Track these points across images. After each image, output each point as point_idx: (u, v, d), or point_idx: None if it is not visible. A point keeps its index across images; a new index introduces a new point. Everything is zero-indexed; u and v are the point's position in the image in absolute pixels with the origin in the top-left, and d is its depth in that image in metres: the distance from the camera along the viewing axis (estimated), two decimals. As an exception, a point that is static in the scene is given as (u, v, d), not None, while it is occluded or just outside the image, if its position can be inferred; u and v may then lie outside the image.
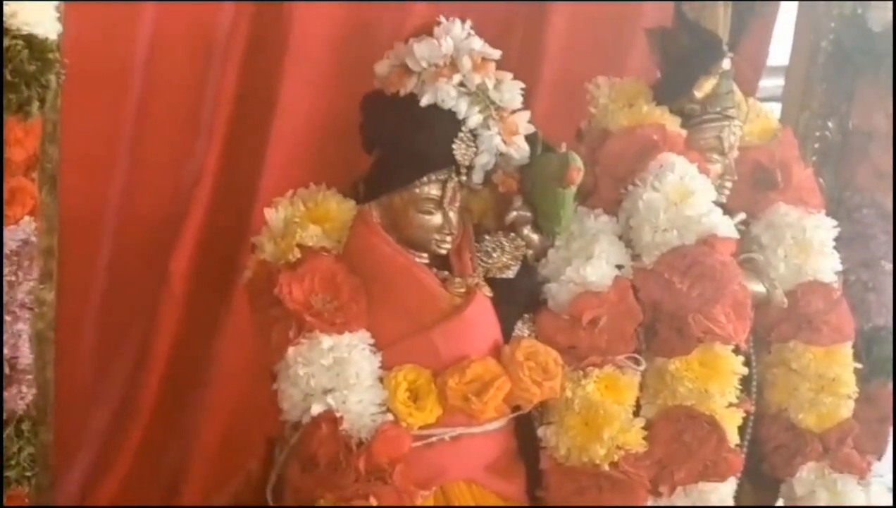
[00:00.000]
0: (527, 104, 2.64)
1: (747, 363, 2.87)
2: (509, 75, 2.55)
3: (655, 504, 2.66)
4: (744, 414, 2.71)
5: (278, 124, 2.84)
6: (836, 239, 3.07)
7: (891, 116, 3.07)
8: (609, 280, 2.60)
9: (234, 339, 2.96)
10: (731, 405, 2.67)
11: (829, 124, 3.18)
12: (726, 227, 2.65)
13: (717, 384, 2.63)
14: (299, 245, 2.48)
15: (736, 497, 2.91)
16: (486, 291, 2.55)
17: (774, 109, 3.18)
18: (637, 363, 2.61)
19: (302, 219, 2.51)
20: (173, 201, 2.86)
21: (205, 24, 2.77)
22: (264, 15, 2.81)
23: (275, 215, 2.53)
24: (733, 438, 2.67)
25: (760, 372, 2.91)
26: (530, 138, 2.60)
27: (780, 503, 3.00)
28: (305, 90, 2.83)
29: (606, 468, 2.56)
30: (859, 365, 2.93)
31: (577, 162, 2.53)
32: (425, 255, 2.55)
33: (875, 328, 3.15)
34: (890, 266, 3.12)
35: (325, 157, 2.80)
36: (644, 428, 2.62)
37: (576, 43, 3.14)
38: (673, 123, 2.75)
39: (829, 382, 2.88)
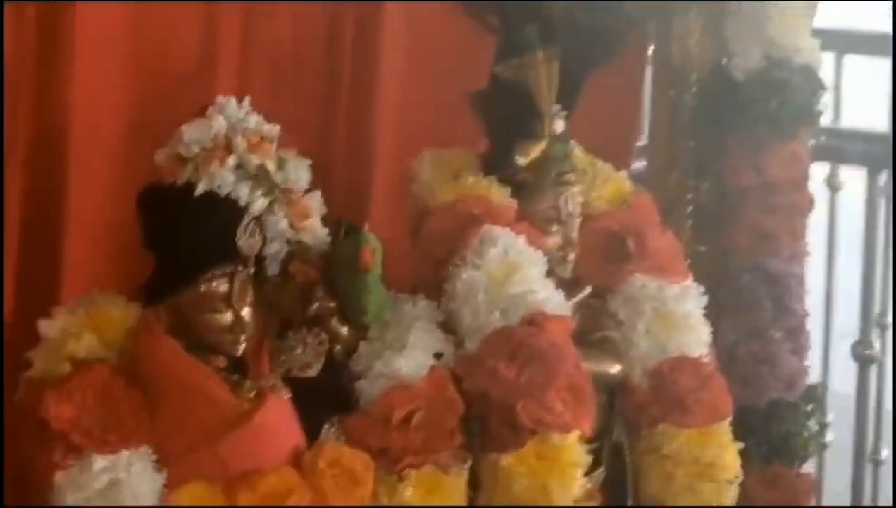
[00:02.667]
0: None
1: (620, 454, 2.62)
2: (293, 153, 2.33)
3: None
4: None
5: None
6: (722, 310, 2.83)
7: (762, 171, 2.81)
8: (424, 371, 2.34)
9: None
10: (577, 501, 2.38)
11: (702, 186, 2.90)
12: (556, 304, 2.40)
13: (557, 479, 2.35)
14: (70, 358, 2.24)
15: None
16: (283, 393, 2.29)
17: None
18: (463, 460, 2.33)
19: (79, 329, 2.28)
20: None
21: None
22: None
23: (51, 326, 2.30)
24: (583, 536, 2.39)
25: (634, 462, 2.64)
26: (334, 221, 2.36)
27: None
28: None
29: (434, 580, 2.28)
30: (741, 444, 2.63)
31: (371, 242, 2.30)
32: (223, 358, 2.30)
33: (772, 404, 2.87)
34: (780, 334, 2.83)
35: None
36: (482, 533, 2.35)
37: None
38: (501, 195, 2.51)
39: (707, 467, 2.60)
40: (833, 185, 4.11)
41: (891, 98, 3.72)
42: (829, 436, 4.15)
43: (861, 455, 3.90)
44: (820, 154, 3.70)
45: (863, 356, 3.78)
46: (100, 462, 2.20)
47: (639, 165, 3.07)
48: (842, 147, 3.83)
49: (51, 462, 2.20)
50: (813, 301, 3.66)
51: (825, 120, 3.00)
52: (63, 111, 2.51)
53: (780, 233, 2.82)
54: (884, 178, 3.66)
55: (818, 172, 3.79)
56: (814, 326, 3.36)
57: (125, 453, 2.22)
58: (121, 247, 2.52)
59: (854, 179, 3.92)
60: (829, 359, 4.15)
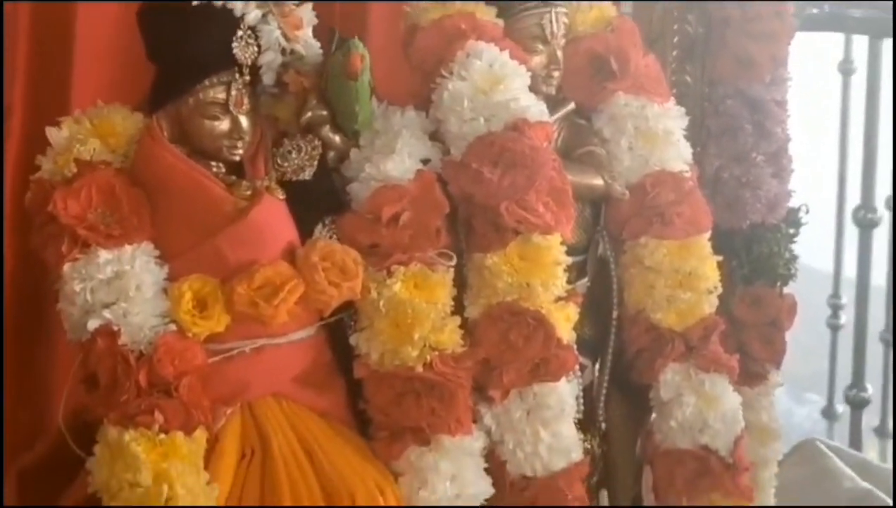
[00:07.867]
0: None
1: (605, 267, 2.74)
2: (284, -35, 2.43)
3: None
4: (577, 307, 2.54)
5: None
6: (708, 137, 2.93)
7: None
8: (412, 175, 2.46)
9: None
10: (559, 298, 2.50)
11: (689, 17, 3.00)
12: (538, 111, 2.51)
13: (539, 277, 2.47)
14: (76, 160, 2.38)
15: (605, 408, 2.77)
16: (279, 194, 2.42)
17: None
18: (449, 258, 2.46)
19: (84, 135, 2.41)
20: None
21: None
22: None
23: (57, 134, 2.43)
24: (565, 334, 2.51)
25: (619, 275, 2.76)
26: (329, 31, 2.47)
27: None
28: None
29: (420, 370, 2.41)
30: (719, 257, 2.75)
31: (360, 49, 2.40)
32: (221, 164, 2.43)
33: (753, 226, 2.97)
34: (761, 158, 2.94)
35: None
36: (470, 329, 2.47)
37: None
38: (487, 13, 2.61)
39: (686, 276, 2.71)
40: (846, 70, 4.29)
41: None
42: (843, 319, 4.36)
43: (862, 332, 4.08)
44: (822, 23, 3.86)
45: (864, 221, 3.98)
46: (104, 254, 2.33)
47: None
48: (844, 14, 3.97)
49: (59, 254, 2.32)
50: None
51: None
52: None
53: (761, 59, 2.90)
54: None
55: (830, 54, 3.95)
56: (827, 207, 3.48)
57: (129, 247, 2.35)
58: (128, 62, 2.64)
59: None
60: (842, 240, 4.33)
